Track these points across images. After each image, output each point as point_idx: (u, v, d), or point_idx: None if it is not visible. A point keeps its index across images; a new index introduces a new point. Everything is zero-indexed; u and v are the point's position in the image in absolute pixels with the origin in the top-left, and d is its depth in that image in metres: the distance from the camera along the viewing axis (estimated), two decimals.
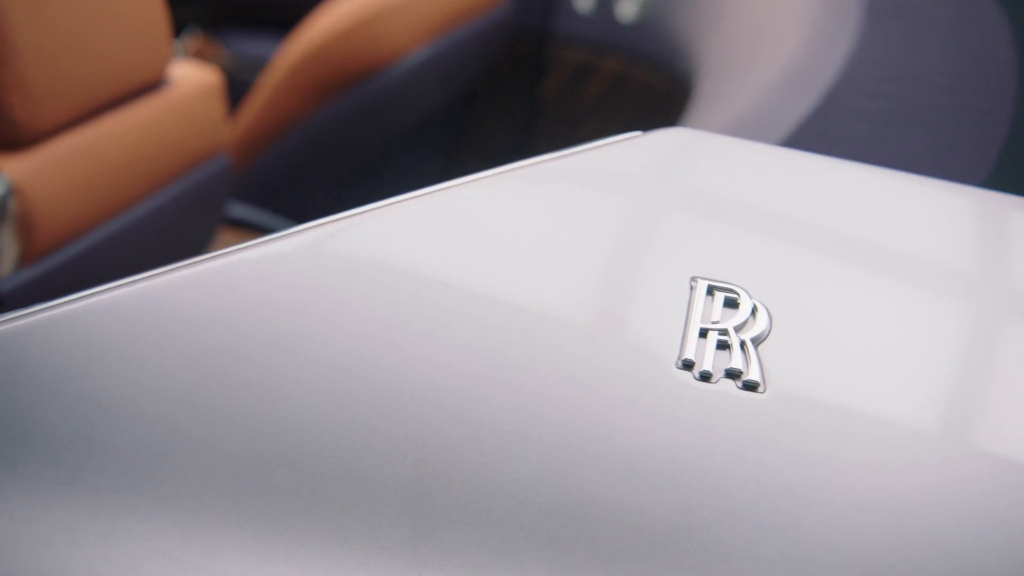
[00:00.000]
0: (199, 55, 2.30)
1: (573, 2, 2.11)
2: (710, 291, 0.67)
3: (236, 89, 2.09)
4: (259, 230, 1.78)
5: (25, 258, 1.06)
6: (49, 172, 1.05)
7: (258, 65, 2.36)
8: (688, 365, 0.65)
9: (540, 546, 0.61)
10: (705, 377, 0.65)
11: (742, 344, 0.65)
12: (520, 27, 2.14)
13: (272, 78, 1.81)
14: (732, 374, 0.65)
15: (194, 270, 0.68)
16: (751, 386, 0.64)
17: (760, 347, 0.65)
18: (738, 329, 0.66)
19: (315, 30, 1.78)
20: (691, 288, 0.68)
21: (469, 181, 0.72)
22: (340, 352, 0.65)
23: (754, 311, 0.67)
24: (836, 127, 1.04)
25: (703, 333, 0.66)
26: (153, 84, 1.23)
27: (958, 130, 1.06)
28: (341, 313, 0.66)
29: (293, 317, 0.66)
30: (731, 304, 0.67)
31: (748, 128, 1.03)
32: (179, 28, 2.28)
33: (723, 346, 0.65)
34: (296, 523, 0.62)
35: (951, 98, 1.11)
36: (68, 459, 0.65)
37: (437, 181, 0.70)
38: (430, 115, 1.98)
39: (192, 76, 1.30)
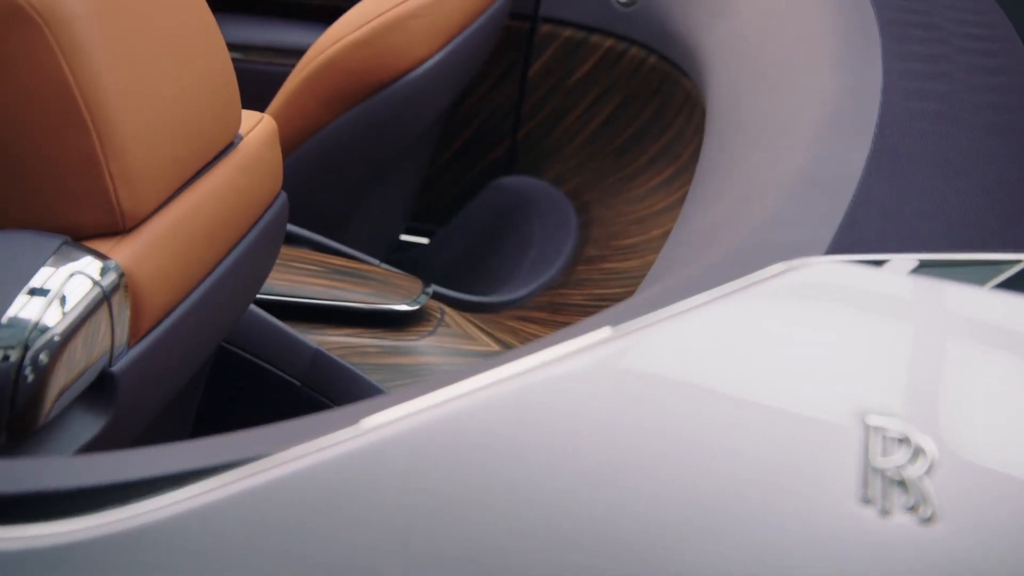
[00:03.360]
0: None
1: None
2: (880, 427, 0.73)
3: None
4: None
5: (132, 338, 1.09)
6: (151, 252, 1.08)
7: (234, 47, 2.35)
8: (867, 502, 0.71)
9: None
10: (885, 513, 0.71)
11: (917, 479, 0.71)
12: (514, 7, 2.16)
13: (289, 87, 1.82)
14: (910, 509, 0.71)
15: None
16: (929, 520, 0.70)
17: (934, 481, 0.71)
18: (911, 463, 0.72)
19: (332, 39, 1.78)
20: (862, 424, 0.73)
21: (620, 336, 0.75)
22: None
23: (924, 445, 0.72)
24: (897, 179, 1.01)
25: (876, 470, 0.72)
26: (229, 145, 1.25)
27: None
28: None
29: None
30: (902, 439, 0.73)
31: (817, 187, 1.01)
32: None
33: (898, 482, 0.71)
34: None
35: (1006, 139, 1.11)
36: None
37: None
38: (440, 115, 2.00)
39: (254, 127, 1.32)
